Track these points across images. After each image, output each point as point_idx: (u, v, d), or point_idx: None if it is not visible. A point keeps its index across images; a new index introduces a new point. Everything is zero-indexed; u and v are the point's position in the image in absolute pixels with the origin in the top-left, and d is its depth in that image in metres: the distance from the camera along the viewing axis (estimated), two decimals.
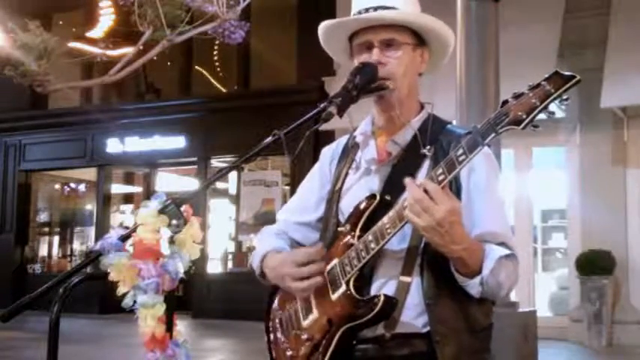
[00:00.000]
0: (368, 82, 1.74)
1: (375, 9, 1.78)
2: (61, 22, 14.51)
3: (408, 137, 1.81)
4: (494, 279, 1.62)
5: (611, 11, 8.97)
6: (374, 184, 1.81)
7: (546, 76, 1.48)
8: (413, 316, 1.68)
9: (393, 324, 1.68)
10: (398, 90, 1.79)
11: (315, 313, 1.76)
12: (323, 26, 1.88)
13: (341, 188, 1.88)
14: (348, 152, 1.93)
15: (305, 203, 2.00)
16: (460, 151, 1.53)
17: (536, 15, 8.80)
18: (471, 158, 1.52)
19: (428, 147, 1.74)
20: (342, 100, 1.70)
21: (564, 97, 1.46)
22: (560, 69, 1.50)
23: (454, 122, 1.92)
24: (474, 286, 1.63)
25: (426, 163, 1.75)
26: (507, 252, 1.66)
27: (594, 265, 8.72)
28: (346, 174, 1.89)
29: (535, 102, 1.47)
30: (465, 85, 4.74)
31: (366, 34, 1.80)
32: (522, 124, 1.48)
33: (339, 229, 1.78)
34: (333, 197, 1.89)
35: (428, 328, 1.67)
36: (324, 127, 1.84)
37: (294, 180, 11.30)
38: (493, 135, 1.51)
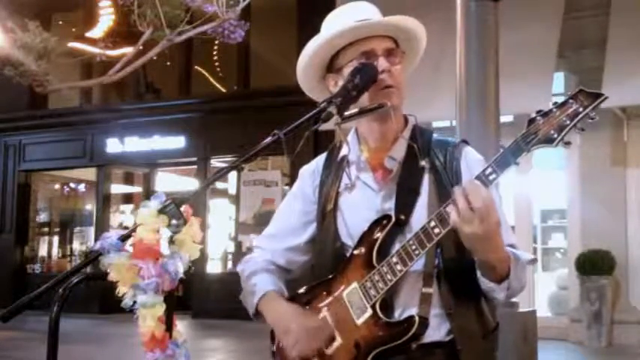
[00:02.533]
0: (368, 83, 1.73)
1: (361, 22, 1.78)
2: (60, 22, 14.52)
3: (402, 151, 1.81)
4: (519, 283, 1.68)
5: (611, 11, 8.96)
6: (378, 202, 1.78)
7: (571, 94, 1.54)
8: (435, 325, 1.70)
9: None
10: (400, 100, 1.80)
11: (339, 340, 1.73)
12: (321, 38, 1.85)
13: (334, 208, 1.84)
14: (335, 170, 1.90)
15: (290, 227, 1.95)
16: (489, 170, 1.56)
17: (536, 15, 8.79)
18: (500, 176, 1.56)
19: (426, 159, 1.77)
20: (341, 100, 1.70)
21: (592, 114, 1.52)
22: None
23: (456, 131, 1.93)
24: (501, 291, 1.65)
25: (426, 176, 1.76)
26: (531, 257, 1.73)
27: (594, 265, 8.72)
28: (337, 193, 1.85)
29: (565, 120, 1.53)
30: (465, 85, 4.73)
31: (365, 44, 1.78)
32: (555, 143, 1.54)
33: (354, 252, 1.75)
34: (327, 218, 1.85)
35: (450, 337, 1.69)
36: (323, 127, 1.83)
37: (294, 180, 11.23)
38: (524, 154, 1.55)
